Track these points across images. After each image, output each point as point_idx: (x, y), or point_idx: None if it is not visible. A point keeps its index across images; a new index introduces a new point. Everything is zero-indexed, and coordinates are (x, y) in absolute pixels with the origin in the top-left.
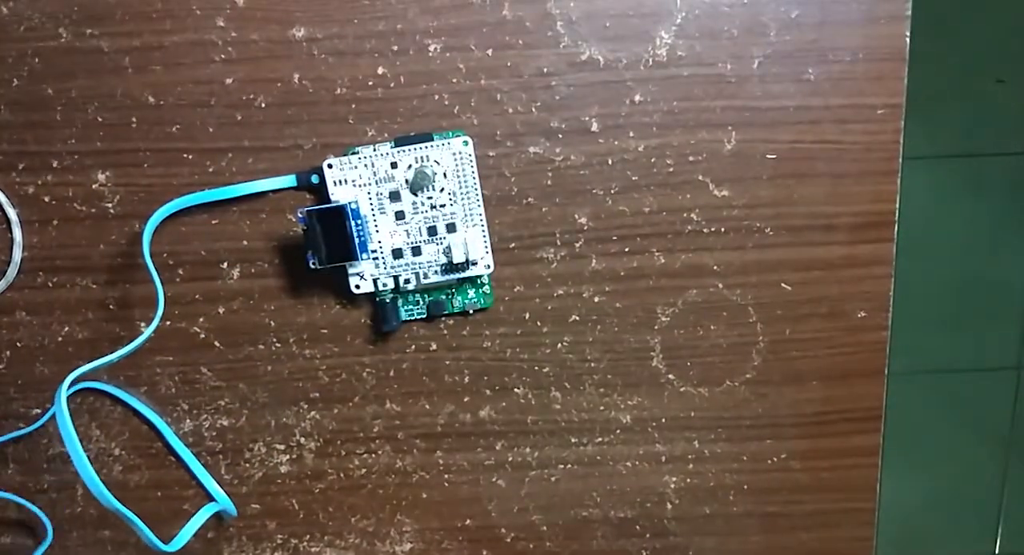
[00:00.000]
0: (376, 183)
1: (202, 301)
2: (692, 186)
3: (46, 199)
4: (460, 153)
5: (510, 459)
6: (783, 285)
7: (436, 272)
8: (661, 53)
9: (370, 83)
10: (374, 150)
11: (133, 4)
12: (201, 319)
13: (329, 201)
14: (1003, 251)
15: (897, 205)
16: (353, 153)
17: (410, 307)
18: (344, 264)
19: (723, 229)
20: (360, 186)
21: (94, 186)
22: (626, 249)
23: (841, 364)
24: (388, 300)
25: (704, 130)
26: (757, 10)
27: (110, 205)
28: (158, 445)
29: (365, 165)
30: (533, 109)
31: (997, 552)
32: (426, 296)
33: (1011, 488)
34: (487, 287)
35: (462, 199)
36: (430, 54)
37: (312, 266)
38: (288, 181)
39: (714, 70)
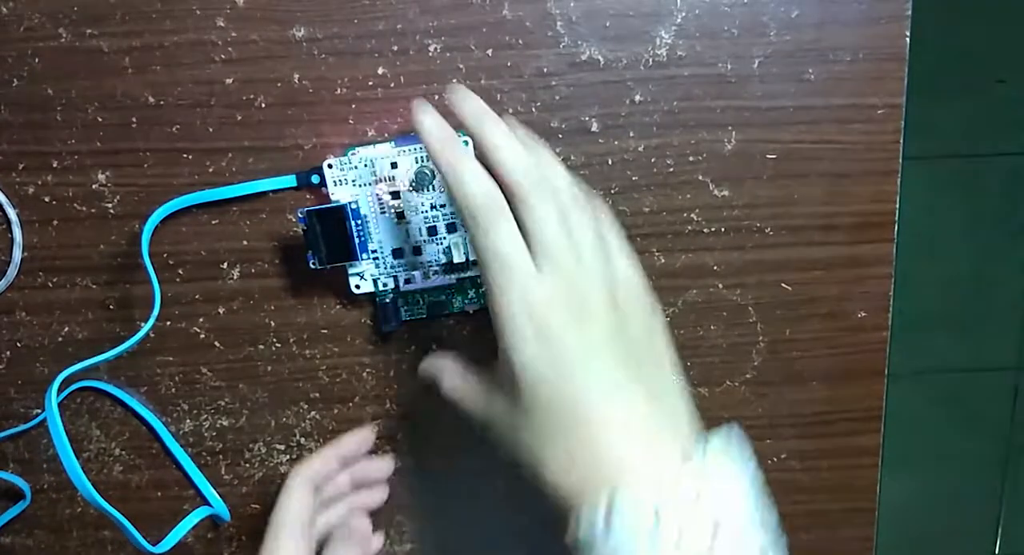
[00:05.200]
0: (376, 183)
1: (202, 301)
2: (692, 186)
3: (46, 199)
4: None
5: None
6: (783, 285)
7: (437, 272)
8: (661, 53)
9: (370, 83)
10: (374, 150)
11: (133, 4)
12: (201, 319)
13: (329, 201)
14: (1002, 251)
15: (897, 205)
16: (353, 153)
17: (410, 307)
18: (344, 264)
19: (723, 229)
20: (360, 186)
21: (94, 186)
22: None
23: (841, 364)
24: (388, 300)
25: (704, 130)
26: (757, 10)
27: (110, 205)
28: (158, 445)
29: (365, 165)
30: (533, 109)
31: (997, 552)
32: (426, 296)
33: (1011, 488)
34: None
35: None
36: (430, 54)
37: (312, 266)
38: (288, 181)
39: (714, 70)
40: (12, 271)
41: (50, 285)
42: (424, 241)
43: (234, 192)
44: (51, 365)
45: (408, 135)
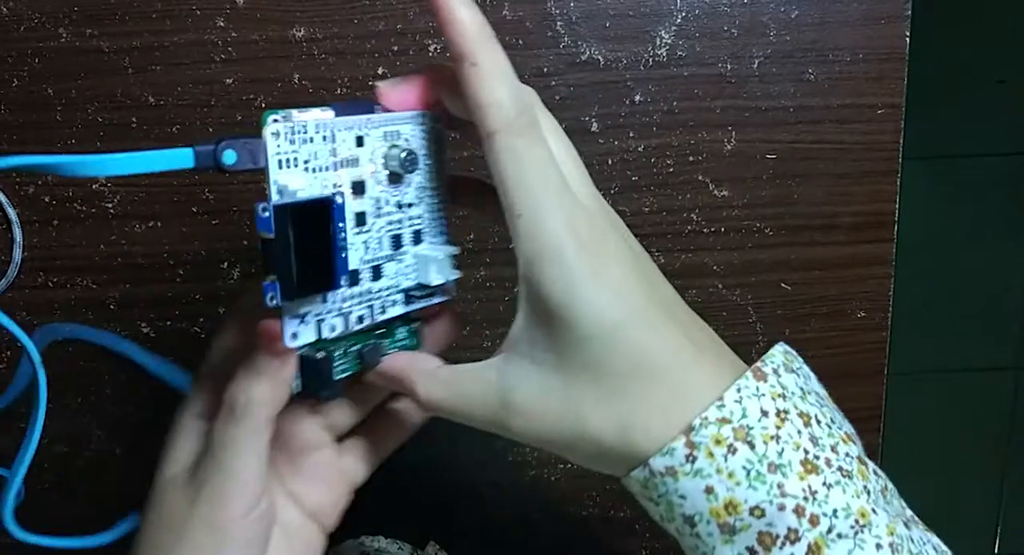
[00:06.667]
0: (338, 168)
1: (202, 301)
2: (692, 186)
3: (46, 199)
4: (433, 131)
5: (510, 459)
6: (783, 285)
7: (396, 302)
8: (661, 53)
9: (370, 83)
10: (321, 115)
11: (133, 4)
12: (201, 319)
13: (266, 192)
14: (1002, 251)
15: (897, 205)
16: (298, 117)
17: (341, 361)
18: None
19: (723, 229)
20: (316, 172)
21: (94, 186)
22: None
23: (841, 364)
24: (320, 356)
25: (704, 130)
26: (757, 10)
27: (110, 205)
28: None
29: (324, 138)
30: None
31: (996, 552)
32: (354, 344)
33: (1010, 488)
34: (417, 323)
35: (430, 197)
36: (430, 54)
37: (270, 304)
38: (181, 158)
39: (714, 70)
40: (12, 271)
41: (50, 285)
42: (386, 258)
43: (89, 168)
44: (52, 365)
45: (354, 103)
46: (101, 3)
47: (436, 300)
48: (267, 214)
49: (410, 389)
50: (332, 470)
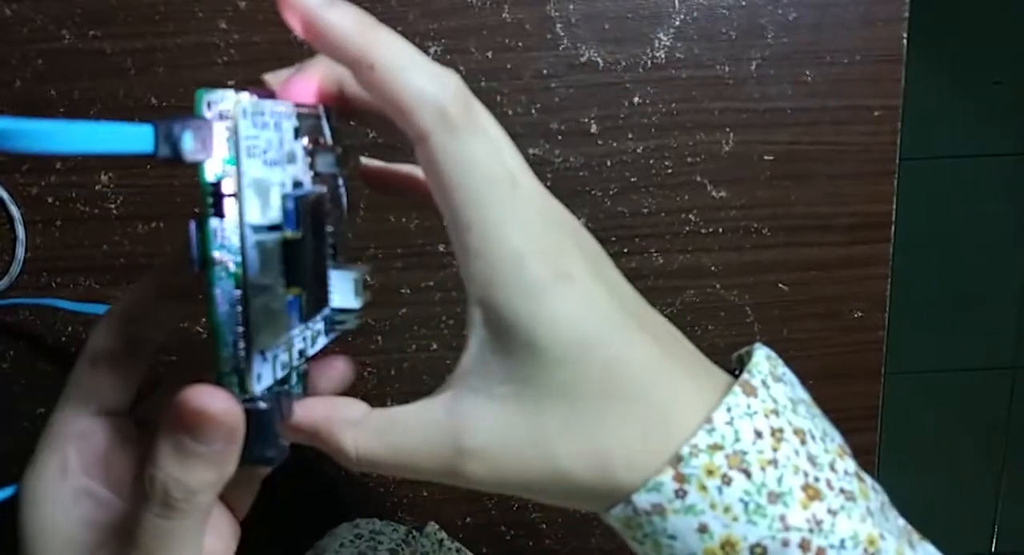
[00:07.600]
0: (284, 162)
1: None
2: (690, 187)
3: (50, 200)
4: (333, 129)
5: None
6: (780, 285)
7: (321, 332)
8: (659, 55)
9: None
10: (240, 99)
11: (136, 6)
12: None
13: (220, 188)
14: (998, 252)
15: (894, 206)
16: (250, 103)
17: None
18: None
19: (721, 230)
20: (271, 166)
21: (97, 187)
22: (624, 250)
23: (838, 364)
24: (264, 407)
25: (702, 131)
26: (755, 12)
27: (113, 206)
28: None
29: (276, 124)
30: (533, 111)
31: (993, 550)
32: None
33: (1007, 487)
34: (304, 367)
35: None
36: (430, 56)
37: (296, 319)
38: (140, 139)
39: (712, 72)
40: (16, 268)
41: (53, 285)
42: (331, 277)
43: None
44: (54, 365)
45: (259, 90)
46: (104, 5)
47: (348, 327)
48: (291, 206)
49: (334, 445)
50: (218, 514)
